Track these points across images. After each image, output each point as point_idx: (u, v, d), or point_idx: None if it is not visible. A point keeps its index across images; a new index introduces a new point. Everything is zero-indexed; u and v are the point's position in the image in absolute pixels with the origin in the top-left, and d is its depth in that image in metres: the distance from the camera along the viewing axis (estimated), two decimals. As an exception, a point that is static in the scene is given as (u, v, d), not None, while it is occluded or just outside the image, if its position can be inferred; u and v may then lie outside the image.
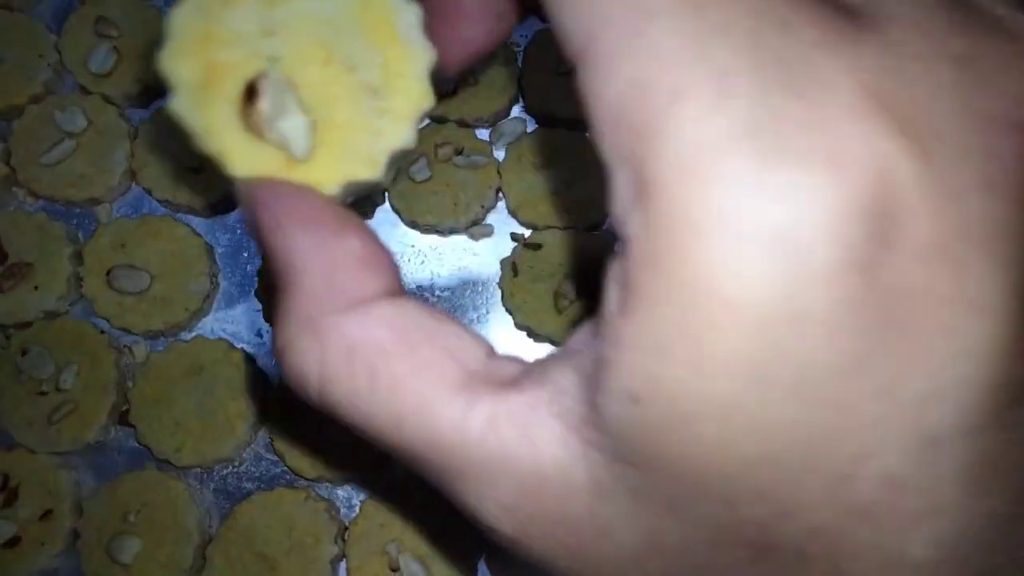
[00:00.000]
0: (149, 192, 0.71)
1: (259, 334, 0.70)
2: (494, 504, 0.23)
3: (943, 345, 0.18)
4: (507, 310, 0.71)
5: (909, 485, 0.19)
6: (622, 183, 0.21)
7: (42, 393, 0.67)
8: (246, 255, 0.72)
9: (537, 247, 0.70)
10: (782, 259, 0.18)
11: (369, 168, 0.32)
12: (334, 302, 0.26)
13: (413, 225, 0.71)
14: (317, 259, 0.27)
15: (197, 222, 0.72)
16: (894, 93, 0.19)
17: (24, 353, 0.68)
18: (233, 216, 0.73)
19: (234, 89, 0.31)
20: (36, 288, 0.69)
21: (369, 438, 0.25)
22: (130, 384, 0.68)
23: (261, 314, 0.70)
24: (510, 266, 0.70)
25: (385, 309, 0.26)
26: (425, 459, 0.24)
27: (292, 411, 0.67)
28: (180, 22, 0.32)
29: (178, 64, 0.31)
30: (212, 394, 0.67)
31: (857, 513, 0.19)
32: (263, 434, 0.69)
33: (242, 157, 0.31)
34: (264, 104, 0.30)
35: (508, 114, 0.75)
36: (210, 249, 0.71)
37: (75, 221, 0.72)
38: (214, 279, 0.71)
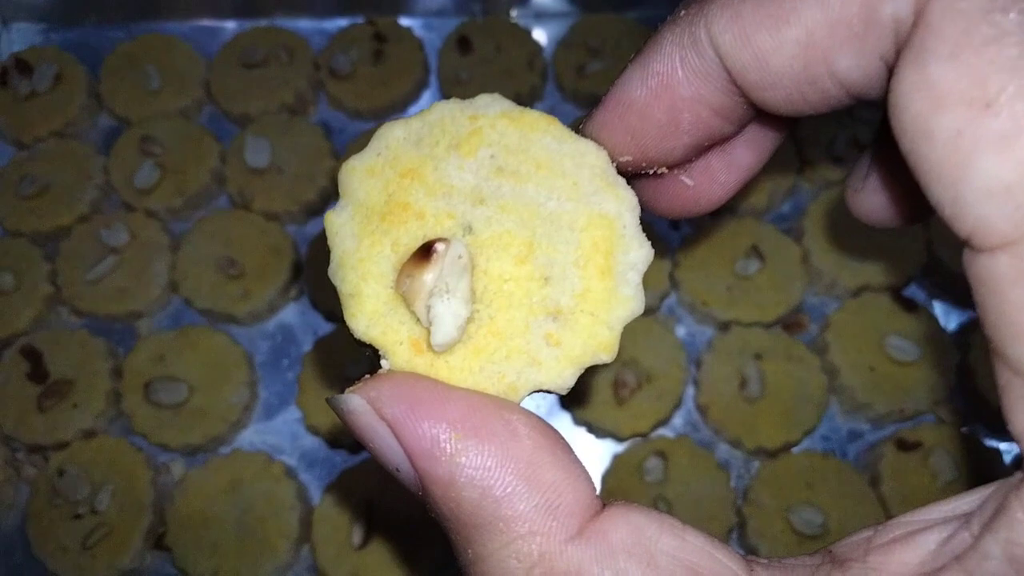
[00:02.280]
0: (189, 303, 0.70)
1: (298, 443, 0.67)
2: None
3: None
4: (563, 406, 0.66)
5: None
6: None
7: (77, 516, 0.64)
8: (286, 362, 0.69)
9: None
10: None
11: (504, 392, 0.27)
12: (561, 530, 0.24)
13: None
14: (523, 483, 0.24)
15: (237, 331, 0.70)
16: None
17: (61, 474, 0.65)
18: (272, 324, 0.71)
19: (407, 238, 0.28)
20: (75, 406, 0.67)
21: None
22: (167, 504, 0.64)
23: (303, 424, 0.66)
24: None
25: (618, 529, 0.24)
26: None
27: (339, 526, 0.62)
28: (393, 140, 0.29)
29: (362, 179, 0.29)
30: (251, 511, 0.63)
31: None
32: (307, 555, 0.63)
33: (370, 311, 0.28)
34: (432, 273, 0.27)
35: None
36: (250, 358, 0.69)
37: (116, 337, 0.71)
38: (253, 389, 0.68)
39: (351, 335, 0.28)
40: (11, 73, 0.79)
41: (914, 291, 0.70)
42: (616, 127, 0.30)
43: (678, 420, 0.67)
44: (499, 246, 0.28)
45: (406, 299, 0.27)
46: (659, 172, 0.32)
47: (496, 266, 0.28)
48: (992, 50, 0.21)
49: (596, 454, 0.66)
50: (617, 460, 0.64)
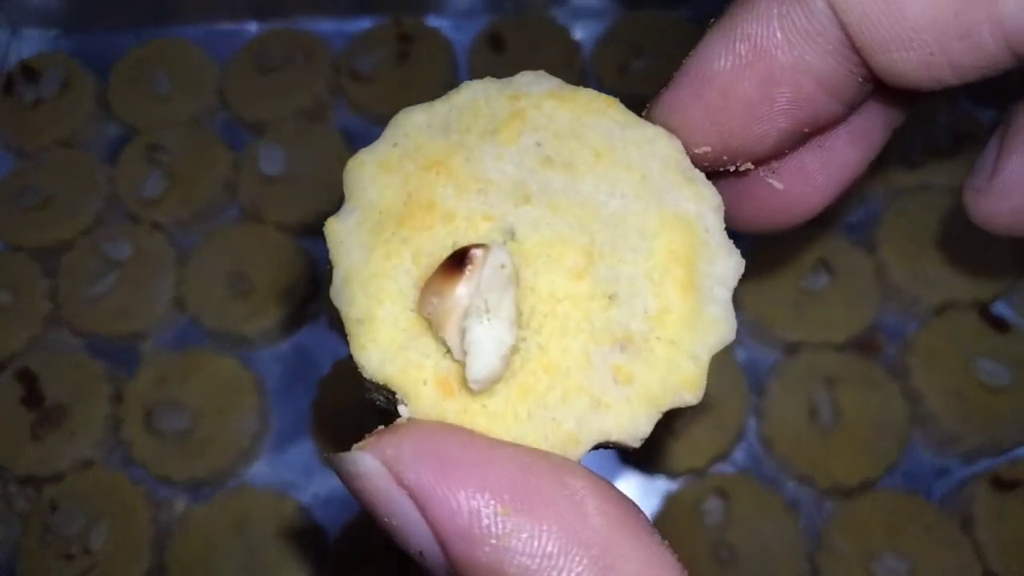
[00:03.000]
0: (196, 322, 0.64)
1: (312, 480, 0.60)
2: None
3: None
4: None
5: None
6: None
7: (69, 556, 0.57)
8: (301, 388, 0.63)
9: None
10: None
11: (561, 446, 0.21)
12: None
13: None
14: (594, 574, 0.18)
15: (248, 353, 0.64)
16: None
17: (54, 509, 0.59)
18: (286, 346, 0.65)
19: (433, 247, 0.21)
20: (71, 434, 0.61)
21: None
22: (167, 543, 0.58)
23: (317, 457, 0.60)
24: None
25: None
26: None
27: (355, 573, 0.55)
28: (412, 128, 0.23)
29: (375, 176, 0.23)
30: (259, 554, 0.56)
31: None
32: (321, 603, 0.57)
33: (386, 342, 0.21)
34: (467, 287, 0.20)
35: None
36: (261, 383, 0.62)
37: (117, 358, 0.65)
38: (264, 417, 0.62)
39: (359, 374, 0.21)
40: (17, 80, 0.74)
41: (1000, 308, 0.62)
42: (693, 108, 0.24)
43: (739, 454, 0.59)
44: (550, 256, 0.22)
45: (433, 324, 0.21)
46: (743, 168, 0.25)
47: (546, 281, 0.22)
48: None
49: (646, 493, 0.58)
50: (670, 500, 0.57)
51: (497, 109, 0.23)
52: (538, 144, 0.23)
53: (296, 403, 0.62)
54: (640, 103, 0.26)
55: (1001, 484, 0.55)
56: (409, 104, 0.72)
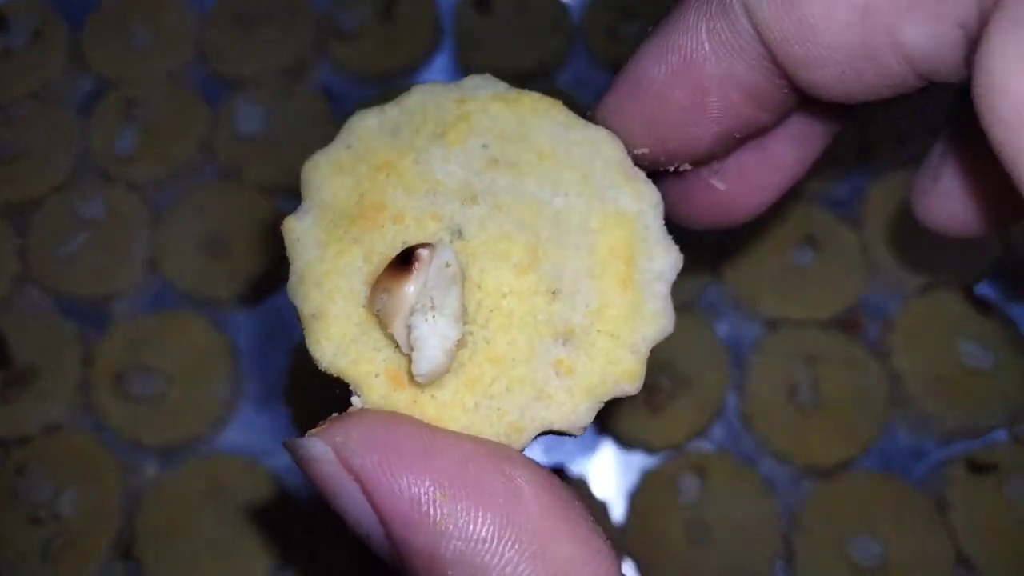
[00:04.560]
0: (170, 284, 0.63)
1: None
2: None
3: None
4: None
5: None
6: None
7: (36, 520, 0.57)
8: (276, 354, 0.62)
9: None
10: None
11: (505, 435, 0.22)
12: None
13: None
14: (528, 559, 0.19)
15: (222, 317, 0.63)
16: None
17: (21, 472, 0.58)
18: (261, 310, 0.63)
19: (384, 246, 0.23)
20: (41, 396, 0.60)
21: None
22: (138, 510, 0.57)
23: (291, 423, 0.59)
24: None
25: None
26: None
27: (327, 548, 0.55)
28: (364, 132, 0.24)
29: (328, 176, 0.24)
30: (230, 522, 0.56)
31: None
32: (291, 573, 0.56)
33: (338, 336, 0.23)
34: (413, 285, 0.22)
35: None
36: (235, 347, 0.61)
37: (89, 320, 0.63)
38: (238, 382, 0.61)
39: (315, 366, 0.23)
40: (-15, 28, 0.71)
41: (984, 288, 0.61)
42: (631, 112, 0.25)
43: (718, 431, 0.58)
44: (495, 253, 0.23)
45: (381, 320, 0.22)
46: (681, 169, 0.26)
47: (492, 278, 0.23)
48: None
49: (623, 468, 0.58)
50: (647, 476, 0.56)
51: (445, 112, 0.24)
52: (484, 146, 0.23)
53: (270, 368, 0.61)
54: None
55: (977, 468, 0.55)
56: (392, 63, 0.70)
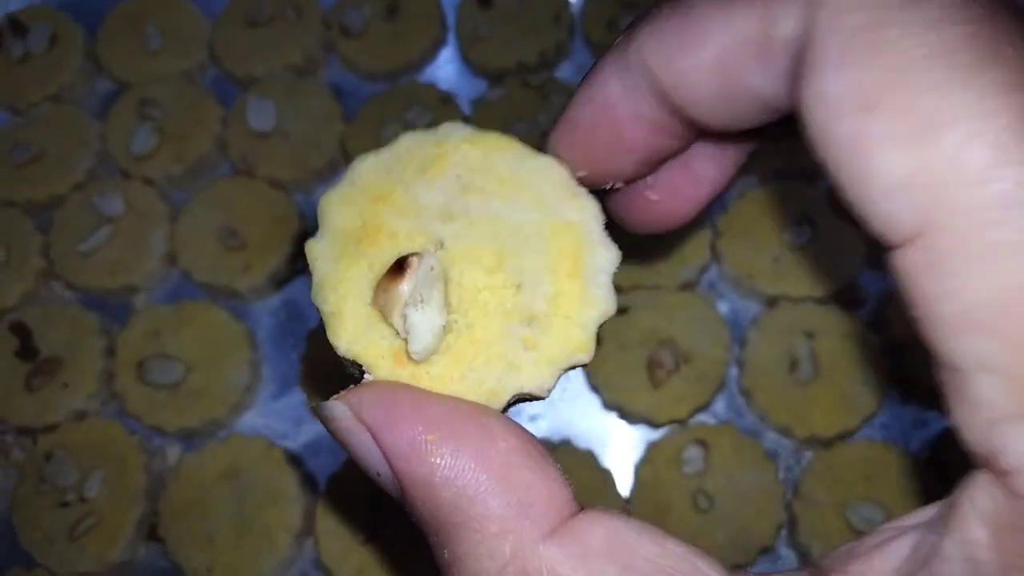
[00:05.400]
0: (188, 276, 0.65)
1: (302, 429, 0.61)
2: None
3: None
4: (592, 388, 0.60)
5: None
6: (991, 387, 0.22)
7: (64, 504, 0.59)
8: (292, 341, 0.64)
9: (623, 311, 0.60)
10: None
11: (486, 397, 0.29)
12: (534, 529, 0.25)
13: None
14: (496, 482, 0.25)
15: (239, 307, 0.65)
16: None
17: (48, 458, 0.60)
18: (277, 299, 0.65)
19: (383, 257, 0.30)
20: (65, 385, 0.62)
21: None
22: (161, 492, 0.59)
23: (306, 406, 0.61)
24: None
25: (594, 532, 0.25)
26: None
27: (345, 519, 0.57)
28: (364, 171, 0.31)
29: (338, 208, 0.30)
30: (250, 500, 0.58)
31: None
32: (311, 549, 0.58)
33: (352, 329, 0.29)
34: (406, 285, 0.28)
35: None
36: (252, 335, 0.63)
37: (111, 312, 0.66)
38: (256, 369, 0.63)
39: (333, 353, 0.29)
40: (5, 34, 0.74)
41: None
42: (569, 146, 0.31)
43: (720, 405, 0.60)
44: (470, 258, 0.30)
45: (383, 313, 0.29)
46: (617, 187, 0.33)
47: (469, 277, 0.29)
48: (873, 60, 0.23)
49: (629, 442, 0.60)
50: (652, 448, 0.58)
51: (426, 152, 0.30)
52: (458, 176, 0.30)
53: (286, 355, 0.63)
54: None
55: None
56: (398, 60, 0.72)
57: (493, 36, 0.71)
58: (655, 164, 0.33)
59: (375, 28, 0.72)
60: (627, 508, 0.57)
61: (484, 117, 0.68)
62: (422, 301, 0.28)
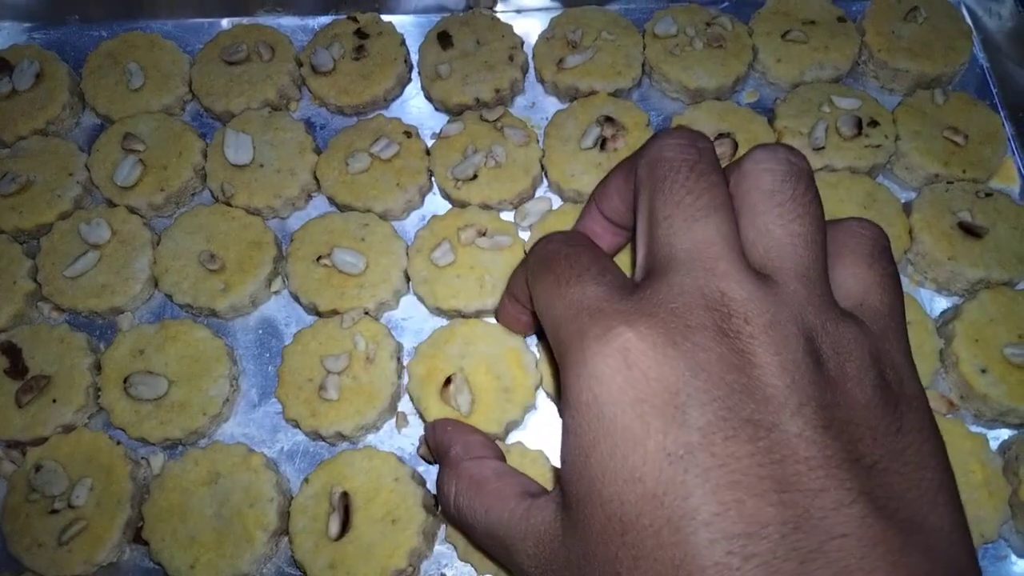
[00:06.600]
0: (171, 297, 0.69)
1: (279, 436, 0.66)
2: (525, 555, 0.42)
3: None
4: (548, 395, 0.66)
5: None
6: None
7: (53, 511, 0.63)
8: (268, 355, 0.69)
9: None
10: None
11: (495, 428, 0.62)
12: (465, 458, 0.51)
13: (438, 312, 0.68)
14: (459, 440, 0.54)
15: (219, 325, 0.70)
16: None
17: (38, 469, 0.64)
18: (254, 318, 0.70)
19: (440, 378, 0.63)
20: (54, 401, 0.66)
21: (469, 526, 0.48)
22: (146, 497, 0.63)
23: (283, 416, 0.66)
24: (546, 346, 0.65)
25: (487, 462, 0.50)
26: (495, 534, 0.45)
27: (313, 517, 0.61)
28: (425, 346, 0.65)
29: (419, 365, 0.64)
30: (229, 503, 0.62)
31: None
32: (285, 546, 0.63)
33: (434, 410, 0.62)
34: (452, 388, 0.62)
35: (533, 195, 0.73)
36: (231, 351, 0.68)
37: (97, 332, 0.70)
38: (234, 382, 0.67)
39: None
40: (-7, 72, 0.79)
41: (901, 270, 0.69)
42: (505, 323, 0.64)
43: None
44: (476, 371, 0.63)
45: (446, 401, 0.62)
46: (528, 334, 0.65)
47: (477, 378, 0.63)
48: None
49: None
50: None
51: (446, 331, 0.68)
52: (463, 338, 0.66)
53: (263, 368, 0.68)
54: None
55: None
56: (365, 96, 0.79)
57: (453, 74, 0.77)
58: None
59: (344, 67, 0.77)
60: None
61: (445, 149, 0.73)
62: (460, 393, 0.62)
